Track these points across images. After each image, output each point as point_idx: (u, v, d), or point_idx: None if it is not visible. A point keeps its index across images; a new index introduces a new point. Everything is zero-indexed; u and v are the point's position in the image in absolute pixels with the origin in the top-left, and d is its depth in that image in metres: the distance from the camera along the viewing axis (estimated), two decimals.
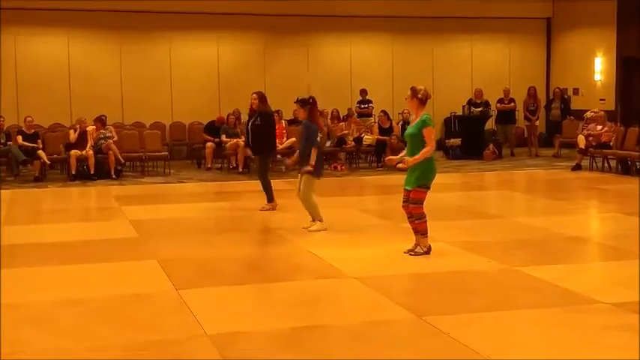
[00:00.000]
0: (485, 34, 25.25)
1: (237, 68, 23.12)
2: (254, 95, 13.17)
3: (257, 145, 13.10)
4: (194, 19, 22.60)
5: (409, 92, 9.36)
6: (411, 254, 9.34)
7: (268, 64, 23.46)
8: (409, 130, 9.39)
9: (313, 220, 11.19)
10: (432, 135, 9.23)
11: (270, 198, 13.05)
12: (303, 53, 23.71)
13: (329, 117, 22.08)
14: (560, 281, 8.03)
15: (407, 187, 9.34)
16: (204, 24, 22.81)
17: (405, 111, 20.63)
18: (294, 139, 18.07)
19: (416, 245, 9.39)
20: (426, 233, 9.37)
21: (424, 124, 9.20)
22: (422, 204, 9.28)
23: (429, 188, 9.31)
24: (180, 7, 22.19)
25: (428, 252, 9.35)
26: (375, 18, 23.85)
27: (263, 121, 13.06)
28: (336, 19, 23.63)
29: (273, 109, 19.44)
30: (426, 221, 9.32)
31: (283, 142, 18.64)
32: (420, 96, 9.24)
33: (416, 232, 9.41)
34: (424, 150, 9.14)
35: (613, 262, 9.24)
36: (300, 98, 11.49)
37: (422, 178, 9.22)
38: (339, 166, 19.77)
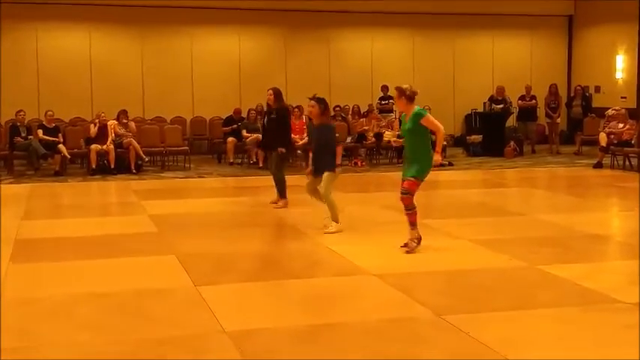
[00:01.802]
0: (506, 31, 25.15)
1: (258, 63, 23.12)
2: (269, 91, 13.22)
3: (273, 141, 13.12)
4: (216, 14, 22.63)
5: (396, 93, 9.45)
6: (407, 251, 9.33)
7: (289, 60, 23.44)
8: (406, 125, 9.36)
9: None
10: (433, 119, 9.30)
11: (283, 194, 13.02)
12: (324, 49, 23.68)
13: (350, 112, 22.09)
14: (581, 280, 7.97)
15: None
16: (226, 19, 22.84)
17: (426, 107, 20.48)
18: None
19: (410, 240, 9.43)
20: (416, 224, 9.35)
21: (419, 115, 9.27)
22: (413, 195, 9.31)
23: (422, 181, 9.38)
24: (202, 2, 22.22)
25: (418, 243, 9.37)
26: (396, 14, 23.78)
27: (278, 116, 13.10)
28: (357, 15, 23.59)
29: (294, 105, 19.57)
30: (416, 212, 9.31)
31: (304, 138, 18.44)
32: (408, 93, 9.30)
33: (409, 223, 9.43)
34: (438, 137, 9.32)
35: (634, 260, 9.13)
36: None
37: (420, 172, 9.31)
38: (359, 162, 19.73)
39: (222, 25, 22.97)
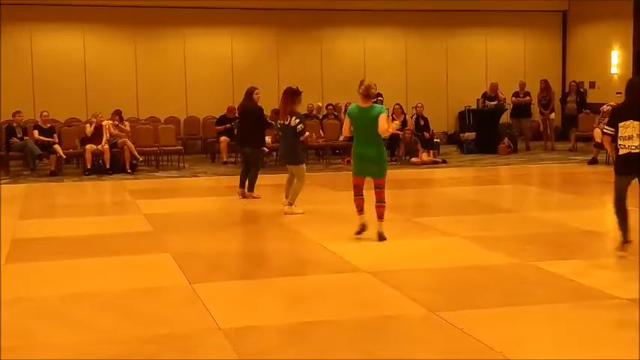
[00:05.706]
0: (500, 28, 25.14)
1: (250, 63, 23.10)
2: None
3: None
4: (208, 14, 22.62)
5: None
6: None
7: (282, 59, 23.43)
8: None
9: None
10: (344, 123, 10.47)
11: (242, 185, 13.80)
12: (317, 48, 23.67)
13: (342, 111, 22.09)
14: (575, 276, 7.99)
15: None
16: (219, 19, 22.83)
17: (419, 105, 20.58)
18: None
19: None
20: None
21: None
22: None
23: (354, 174, 10.32)
24: (195, 2, 22.21)
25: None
26: (388, 12, 23.77)
27: (241, 115, 14.38)
28: (350, 13, 23.57)
29: None
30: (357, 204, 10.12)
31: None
32: (360, 91, 9.86)
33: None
34: None
35: (629, 256, 9.18)
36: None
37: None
38: (351, 160, 19.66)
39: (215, 25, 22.95)
